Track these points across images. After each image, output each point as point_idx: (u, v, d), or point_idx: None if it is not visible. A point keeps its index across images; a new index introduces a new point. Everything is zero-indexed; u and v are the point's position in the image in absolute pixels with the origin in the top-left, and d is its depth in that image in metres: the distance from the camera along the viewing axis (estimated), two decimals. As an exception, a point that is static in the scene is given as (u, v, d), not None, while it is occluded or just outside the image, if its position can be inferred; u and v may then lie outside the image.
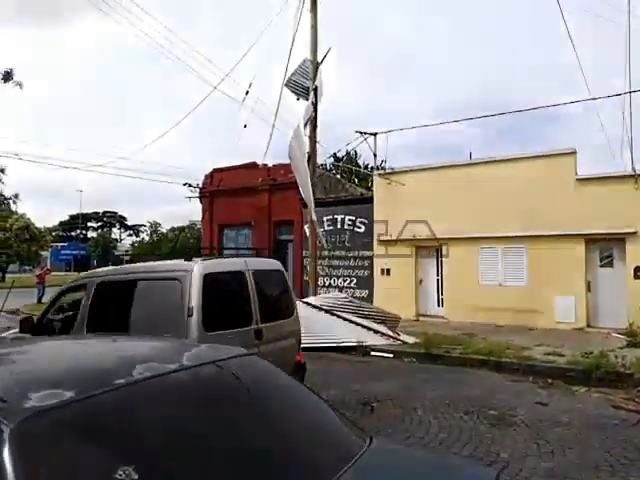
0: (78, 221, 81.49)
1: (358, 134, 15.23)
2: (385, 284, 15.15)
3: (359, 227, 15.86)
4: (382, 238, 15.19)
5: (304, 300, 11.40)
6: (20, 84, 12.31)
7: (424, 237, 14.44)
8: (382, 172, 15.13)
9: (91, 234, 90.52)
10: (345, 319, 10.76)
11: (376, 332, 10.53)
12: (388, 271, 15.18)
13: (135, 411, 1.43)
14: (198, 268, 5.00)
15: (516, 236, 13.02)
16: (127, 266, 6.59)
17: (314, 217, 12.21)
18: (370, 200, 15.63)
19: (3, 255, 43.02)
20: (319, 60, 11.91)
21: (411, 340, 10.52)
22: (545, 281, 12.55)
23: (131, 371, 1.54)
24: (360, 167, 26.39)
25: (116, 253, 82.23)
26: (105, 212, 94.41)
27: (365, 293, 15.63)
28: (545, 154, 13.19)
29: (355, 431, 1.92)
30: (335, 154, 16.62)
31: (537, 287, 12.64)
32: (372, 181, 16.39)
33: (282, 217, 17.42)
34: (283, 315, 5.96)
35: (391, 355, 9.57)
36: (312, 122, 11.82)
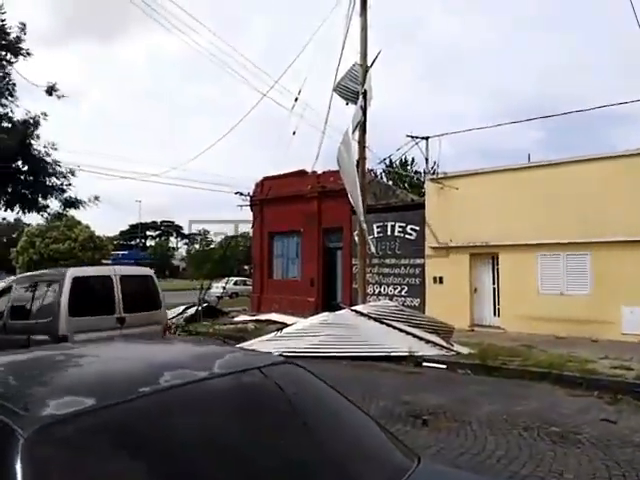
0: (137, 230, 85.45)
1: (409, 138, 14.98)
2: (438, 293, 14.76)
3: (410, 234, 15.57)
4: (434, 245, 14.83)
5: (353, 308, 11.28)
6: (64, 96, 13.06)
7: (479, 244, 13.98)
8: (434, 177, 14.80)
9: (150, 242, 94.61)
10: (395, 328, 10.54)
11: (428, 342, 10.24)
12: (441, 279, 14.79)
13: (161, 421, 1.36)
14: (70, 273, 7.39)
15: (579, 242, 12.33)
16: (34, 272, 10.04)
17: (364, 224, 12.09)
18: (421, 206, 15.33)
19: (68, 265, 45.58)
20: (368, 64, 11.83)
21: (465, 351, 10.15)
22: (611, 290, 11.78)
23: (158, 378, 1.48)
24: (412, 173, 26.04)
25: (173, 261, 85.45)
26: (163, 222, 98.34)
27: (417, 302, 15.29)
28: (611, 155, 12.43)
29: (403, 449, 1.81)
30: (386, 159, 16.35)
31: (602, 296, 11.88)
32: (424, 188, 16.06)
33: (331, 224, 17.39)
34: (148, 308, 8.11)
35: (444, 366, 9.25)
36: (361, 127, 11.72)
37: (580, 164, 12.69)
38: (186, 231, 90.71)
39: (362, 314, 10.94)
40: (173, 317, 15.54)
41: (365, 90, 11.41)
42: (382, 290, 16.10)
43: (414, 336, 10.36)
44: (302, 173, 18.35)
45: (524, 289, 13.18)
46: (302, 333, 10.49)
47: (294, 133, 13.01)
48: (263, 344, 10.40)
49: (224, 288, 31.57)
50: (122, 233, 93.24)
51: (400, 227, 15.78)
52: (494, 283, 14.13)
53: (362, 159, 12.09)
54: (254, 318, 16.19)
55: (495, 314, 14.06)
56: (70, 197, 13.87)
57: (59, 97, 13.12)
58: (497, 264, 14.02)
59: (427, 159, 15.20)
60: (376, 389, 7.31)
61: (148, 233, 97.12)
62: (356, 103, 11.61)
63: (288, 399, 1.68)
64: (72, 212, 15.98)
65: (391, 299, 15.71)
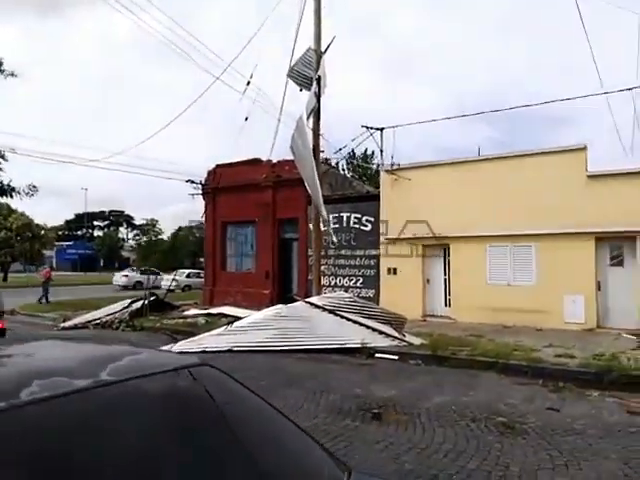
0: (84, 220, 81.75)
1: (364, 129, 14.92)
2: (392, 284, 14.88)
3: (365, 225, 15.60)
4: (388, 236, 14.92)
5: (307, 300, 11.17)
6: (14, 74, 12.16)
7: (431, 235, 14.16)
8: (389, 168, 14.84)
9: (97, 233, 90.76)
10: (349, 319, 10.51)
11: (381, 333, 10.27)
12: (394, 270, 14.92)
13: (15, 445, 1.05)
14: None
15: (525, 234, 12.71)
16: None
17: (323, 212, 11.91)
18: (377, 197, 15.37)
19: (6, 254, 43.07)
20: (322, 49, 11.65)
21: (417, 341, 10.25)
22: (554, 280, 12.23)
23: (20, 391, 1.16)
24: (373, 166, 26.10)
25: (123, 252, 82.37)
26: (112, 211, 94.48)
27: (372, 293, 15.36)
28: (555, 150, 12.87)
29: (332, 463, 1.67)
30: (341, 149, 16.23)
31: (546, 286, 12.33)
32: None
33: (287, 215, 17.17)
34: None
35: (396, 357, 9.29)
36: (315, 114, 11.54)
37: (524, 158, 13.09)
38: (137, 221, 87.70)
39: (316, 306, 10.84)
40: (116, 311, 14.91)
41: (319, 76, 11.21)
42: (338, 282, 16.08)
43: (367, 327, 10.36)
44: (256, 161, 17.98)
45: (474, 280, 13.47)
46: (254, 326, 10.28)
47: (246, 119, 12.70)
48: (213, 339, 10.13)
49: (175, 280, 30.79)
50: (68, 223, 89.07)
51: (356, 218, 15.77)
52: (445, 274, 14.38)
53: (317, 147, 11.93)
54: (205, 312, 15.79)
55: (446, 304, 14.33)
56: (1, 184, 12.92)
57: (11, 74, 12.17)
58: (448, 255, 14.26)
59: (382, 150, 15.24)
60: (327, 382, 7.23)
61: (96, 223, 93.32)
62: (310, 89, 11.40)
63: (201, 409, 1.46)
64: (5, 200, 14.82)
65: (346, 290, 15.71)
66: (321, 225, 12.42)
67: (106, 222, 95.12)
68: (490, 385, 7.25)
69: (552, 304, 12.07)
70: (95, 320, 14.29)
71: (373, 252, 15.37)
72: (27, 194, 12.98)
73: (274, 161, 17.51)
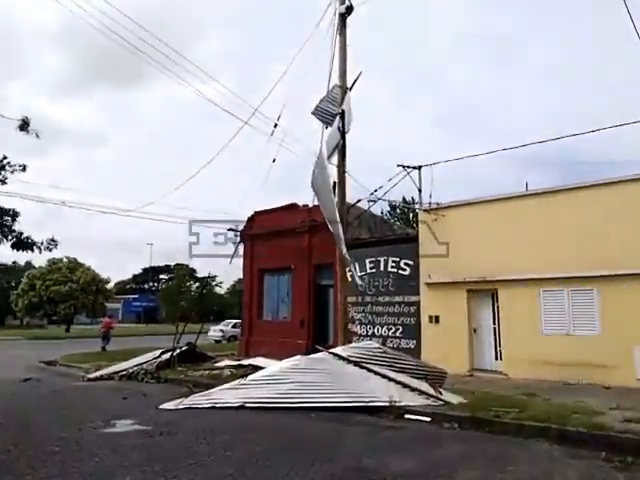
0: (149, 274, 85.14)
1: (400, 169, 14.11)
2: (434, 333, 13.46)
3: (404, 269, 14.46)
4: (429, 281, 13.68)
5: (331, 351, 10.09)
6: (37, 134, 12.59)
7: (476, 279, 12.79)
8: (427, 208, 13.83)
9: (165, 286, 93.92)
10: (377, 373, 9.29)
11: (413, 390, 8.95)
12: (437, 318, 13.53)
13: None
14: None
15: (584, 276, 11.09)
16: None
17: (344, 250, 11.06)
18: (415, 239, 14.28)
19: (70, 307, 44.92)
20: (348, 85, 11.17)
21: (456, 400, 8.82)
22: (622, 329, 10.44)
23: None
24: (416, 208, 25.04)
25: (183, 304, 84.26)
26: (176, 264, 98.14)
27: (412, 344, 13.98)
28: (619, 180, 11.31)
29: None
30: (377, 190, 15.30)
31: (613, 336, 10.54)
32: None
33: (322, 260, 16.36)
34: None
35: (428, 419, 7.94)
36: (340, 151, 10.92)
37: (578, 191, 11.65)
38: (199, 274, 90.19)
39: (340, 357, 9.74)
40: (145, 362, 14.41)
41: (342, 111, 10.65)
42: (375, 331, 14.84)
43: (397, 383, 9.09)
44: (293, 207, 17.56)
45: (527, 329, 11.87)
46: (269, 380, 9.30)
47: (274, 161, 12.26)
48: (225, 393, 9.22)
49: (221, 331, 30.46)
50: (135, 277, 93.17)
51: (393, 262, 14.69)
52: (494, 322, 12.83)
53: (342, 184, 11.21)
54: (236, 363, 14.98)
55: (497, 357, 12.68)
56: (21, 235, 13.13)
57: (32, 134, 12.64)
58: (497, 301, 12.77)
59: (420, 190, 14.26)
60: (334, 449, 6.08)
61: (161, 277, 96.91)
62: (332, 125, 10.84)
63: None
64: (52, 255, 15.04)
65: (385, 341, 14.44)
66: (348, 264, 11.47)
67: (171, 275, 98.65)
68: (537, 457, 5.81)
69: (620, 357, 10.25)
70: (122, 371, 13.84)
71: (413, 298, 14.10)
72: (47, 248, 13.12)
73: (310, 205, 16.98)
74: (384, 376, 9.20)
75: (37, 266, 49.25)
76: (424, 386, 9.28)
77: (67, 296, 44.30)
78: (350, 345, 10.64)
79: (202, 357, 16.91)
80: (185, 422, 7.71)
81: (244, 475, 5.05)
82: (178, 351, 15.42)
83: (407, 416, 8.12)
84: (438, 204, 13.74)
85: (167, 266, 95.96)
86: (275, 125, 12.05)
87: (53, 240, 13.36)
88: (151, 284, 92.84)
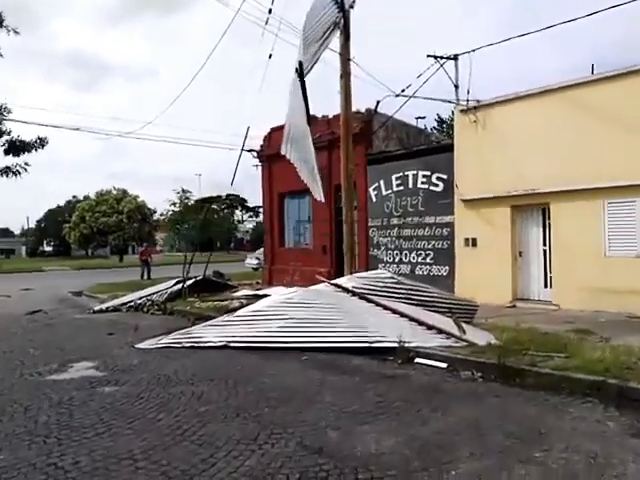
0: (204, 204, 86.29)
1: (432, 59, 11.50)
2: (470, 258, 11.48)
3: (436, 185, 12.28)
4: (465, 197, 11.50)
5: (333, 282, 8.47)
6: (16, 31, 11.23)
7: (523, 192, 10.50)
8: (464, 106, 11.34)
9: (217, 216, 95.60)
10: (386, 308, 7.63)
11: (430, 328, 7.25)
12: (474, 241, 11.48)
13: None
14: None
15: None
16: None
17: (318, 194, 9.24)
18: (450, 148, 11.94)
19: (118, 237, 45.78)
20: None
21: (484, 340, 7.03)
22: None
23: None
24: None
25: (238, 234, 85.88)
26: (228, 195, 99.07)
27: (444, 270, 12.11)
28: None
29: None
30: (405, 90, 12.62)
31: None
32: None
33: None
34: None
35: (443, 365, 6.28)
36: (343, 32, 8.60)
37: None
38: (250, 204, 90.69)
39: (343, 289, 8.12)
40: (156, 292, 13.53)
41: None
42: (403, 257, 13.02)
43: (410, 319, 7.40)
44: (312, 119, 15.38)
45: (586, 251, 9.65)
46: (258, 316, 7.87)
47: (270, 56, 10.13)
48: (207, 330, 7.93)
49: (257, 258, 29.74)
50: (187, 207, 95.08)
51: (424, 177, 12.50)
52: (545, 244, 10.64)
53: (346, 75, 9.00)
54: (253, 293, 13.83)
55: (546, 285, 10.62)
56: (12, 141, 12.09)
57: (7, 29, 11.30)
58: (548, 218, 10.49)
59: (456, 86, 11.65)
60: (301, 413, 4.57)
61: (213, 207, 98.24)
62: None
63: None
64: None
65: (414, 268, 12.67)
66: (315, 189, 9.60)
67: (223, 206, 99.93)
68: (581, 431, 4.04)
69: None
70: (129, 302, 13.04)
71: (446, 219, 12.02)
72: (40, 145, 12.13)
73: (330, 116, 14.81)
74: (394, 311, 7.54)
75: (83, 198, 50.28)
76: (443, 322, 7.55)
77: (115, 227, 45.09)
78: (357, 275, 8.95)
79: (222, 287, 15.97)
80: (148, 366, 6.52)
81: (151, 457, 3.66)
82: (192, 281, 14.46)
83: (418, 360, 6.50)
84: (478, 102, 11.19)
85: (219, 196, 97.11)
86: (269, 11, 9.75)
87: (41, 139, 12.36)
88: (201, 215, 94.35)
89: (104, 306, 13.00)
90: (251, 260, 29.50)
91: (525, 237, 10.92)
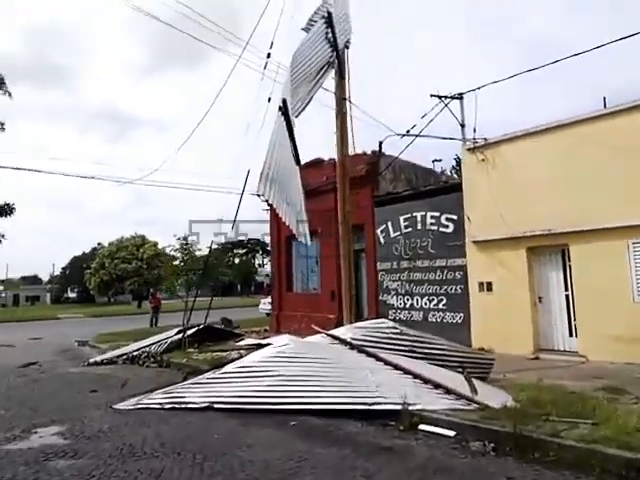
0: (228, 249, 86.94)
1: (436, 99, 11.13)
2: (486, 304, 10.62)
3: (445, 226, 11.60)
4: (477, 238, 10.77)
5: (329, 333, 7.73)
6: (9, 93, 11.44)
7: (539, 232, 9.74)
8: (471, 145, 10.82)
9: (238, 260, 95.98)
10: (387, 363, 6.84)
11: (437, 386, 6.41)
12: (489, 286, 10.65)
13: None
14: None
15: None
16: None
17: (303, 235, 8.71)
18: (458, 188, 11.34)
19: (136, 283, 45.74)
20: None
21: (498, 402, 6.15)
22: None
23: None
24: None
25: (257, 278, 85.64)
26: (250, 239, 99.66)
27: (459, 318, 11.23)
28: None
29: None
30: (410, 130, 12.18)
31: None
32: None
33: (352, 221, 13.86)
34: None
35: (451, 433, 5.43)
36: (337, 71, 8.24)
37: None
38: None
39: (341, 341, 7.38)
40: (155, 342, 12.92)
41: (329, 13, 7.92)
42: (415, 302, 12.21)
43: (414, 376, 6.59)
44: (318, 163, 15.12)
45: (612, 296, 8.75)
46: (246, 372, 7.14)
47: (269, 100, 9.83)
48: (190, 389, 7.22)
49: (271, 304, 28.99)
50: (211, 251, 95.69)
51: (433, 218, 11.86)
52: (567, 289, 9.75)
53: (341, 114, 8.59)
54: (257, 342, 13.10)
55: (571, 334, 9.66)
56: None
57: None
58: (569, 260, 9.65)
59: (462, 125, 11.18)
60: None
61: (236, 251, 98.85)
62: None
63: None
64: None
65: (426, 315, 11.83)
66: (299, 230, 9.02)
67: (244, 250, 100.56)
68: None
69: None
70: (127, 354, 12.44)
71: (458, 261, 11.26)
72: (9, 212, 12.03)
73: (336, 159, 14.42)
74: (396, 366, 6.74)
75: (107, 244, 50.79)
76: (455, 380, 6.71)
77: (133, 273, 45.18)
78: (356, 324, 8.19)
79: (227, 335, 15.29)
80: (118, 432, 5.84)
81: None
82: (194, 330, 13.85)
83: (422, 427, 5.65)
84: (485, 139, 10.66)
85: (241, 241, 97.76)
86: (268, 55, 9.54)
87: (7, 204, 12.25)
88: (225, 259, 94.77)
89: (99, 358, 12.41)
90: (264, 305, 28.78)
91: (544, 281, 10.05)
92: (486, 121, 11.07)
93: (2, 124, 12.29)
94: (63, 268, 75.92)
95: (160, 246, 48.59)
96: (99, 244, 62.99)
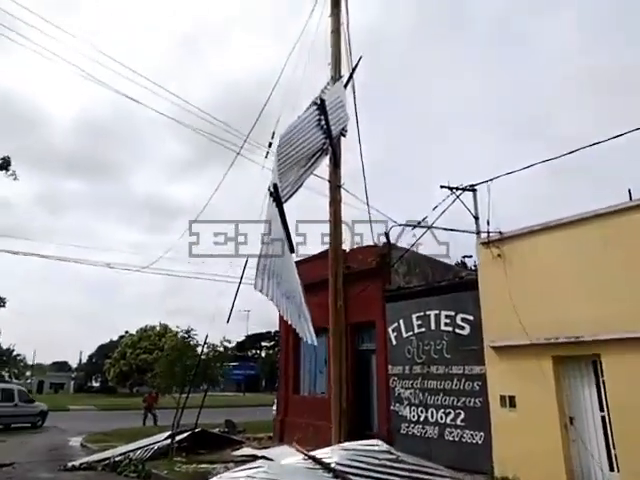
0: (251, 341, 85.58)
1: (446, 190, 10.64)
2: (509, 422, 9.15)
3: (462, 327, 10.48)
4: (496, 343, 9.58)
5: (311, 455, 6.55)
6: (15, 175, 11.88)
7: (565, 339, 8.53)
8: (486, 239, 10.03)
9: (265, 353, 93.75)
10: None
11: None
12: (511, 400, 9.24)
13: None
14: None
15: None
16: None
17: (308, 335, 7.84)
18: (475, 285, 10.37)
19: (155, 375, 44.42)
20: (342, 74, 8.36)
21: None
22: None
23: None
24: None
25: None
26: (276, 331, 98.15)
27: (479, 437, 9.69)
28: None
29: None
30: (421, 222, 11.53)
31: None
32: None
33: (360, 318, 12.91)
34: None
35: None
36: (332, 159, 7.91)
37: None
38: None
39: (324, 466, 6.19)
40: (141, 447, 11.75)
41: (322, 100, 7.72)
42: (429, 415, 10.74)
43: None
44: (325, 254, 14.51)
45: (658, 421, 7.26)
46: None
47: (269, 190, 9.53)
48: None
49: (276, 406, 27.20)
50: (238, 344, 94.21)
51: (447, 317, 10.79)
52: (602, 409, 8.28)
53: (335, 203, 8.09)
54: (254, 452, 11.73)
55: (611, 466, 8.01)
56: None
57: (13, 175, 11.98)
58: (602, 374, 8.29)
59: (476, 218, 10.52)
60: None
61: (263, 344, 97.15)
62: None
63: None
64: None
65: (442, 431, 10.35)
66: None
67: (272, 342, 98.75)
68: None
69: None
70: (108, 458, 11.29)
71: (476, 369, 9.97)
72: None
73: (347, 250, 13.84)
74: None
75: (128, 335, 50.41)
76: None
77: (153, 364, 44.08)
78: (345, 445, 6.97)
79: (223, 441, 13.92)
80: None
81: None
82: (186, 435, 12.64)
83: None
84: (501, 233, 9.88)
85: (268, 332, 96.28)
86: (269, 145, 9.41)
87: (0, 298, 12.04)
88: (253, 351, 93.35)
89: (78, 462, 11.29)
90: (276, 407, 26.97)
91: (576, 398, 8.62)
92: (503, 213, 10.37)
93: (3, 300, 12.95)
94: (90, 356, 75.65)
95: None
96: (126, 332, 62.91)
